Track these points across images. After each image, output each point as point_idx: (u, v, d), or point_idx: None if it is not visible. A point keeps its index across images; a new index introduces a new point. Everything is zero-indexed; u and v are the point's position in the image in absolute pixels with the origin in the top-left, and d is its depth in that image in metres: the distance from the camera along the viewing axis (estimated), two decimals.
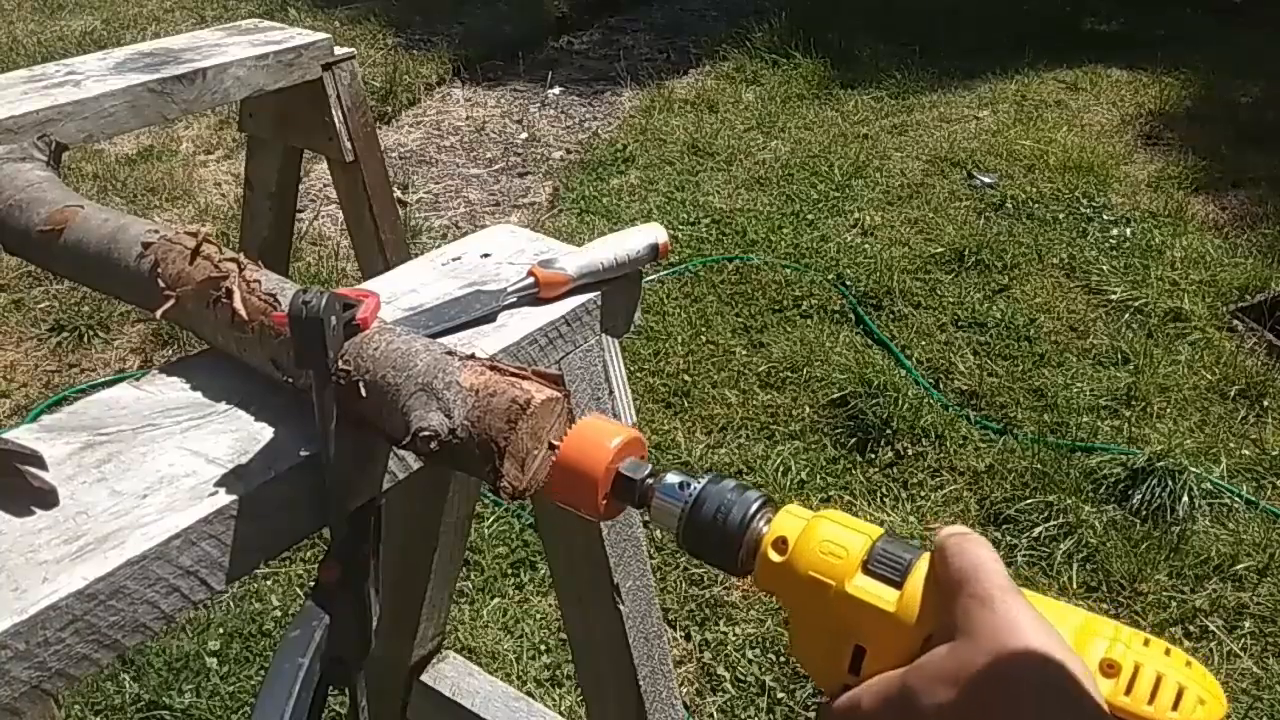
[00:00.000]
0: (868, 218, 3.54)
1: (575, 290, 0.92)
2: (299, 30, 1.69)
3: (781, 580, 0.59)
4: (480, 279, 0.94)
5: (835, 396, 2.65)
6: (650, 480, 0.65)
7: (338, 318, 0.66)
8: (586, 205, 3.74)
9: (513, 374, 0.66)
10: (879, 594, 0.56)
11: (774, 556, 0.60)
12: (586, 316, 0.92)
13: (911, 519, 2.30)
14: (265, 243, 1.95)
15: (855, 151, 4.04)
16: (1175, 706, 0.50)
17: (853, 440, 2.53)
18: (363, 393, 0.67)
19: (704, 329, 2.98)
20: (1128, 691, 0.50)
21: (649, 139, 4.28)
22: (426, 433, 0.63)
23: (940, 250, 3.31)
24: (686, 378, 2.78)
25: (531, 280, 0.90)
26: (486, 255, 0.98)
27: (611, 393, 0.97)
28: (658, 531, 2.29)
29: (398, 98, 4.69)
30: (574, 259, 0.91)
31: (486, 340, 0.85)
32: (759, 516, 0.61)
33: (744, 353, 2.88)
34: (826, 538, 0.58)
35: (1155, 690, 0.50)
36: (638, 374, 2.79)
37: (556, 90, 4.99)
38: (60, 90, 1.38)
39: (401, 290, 0.92)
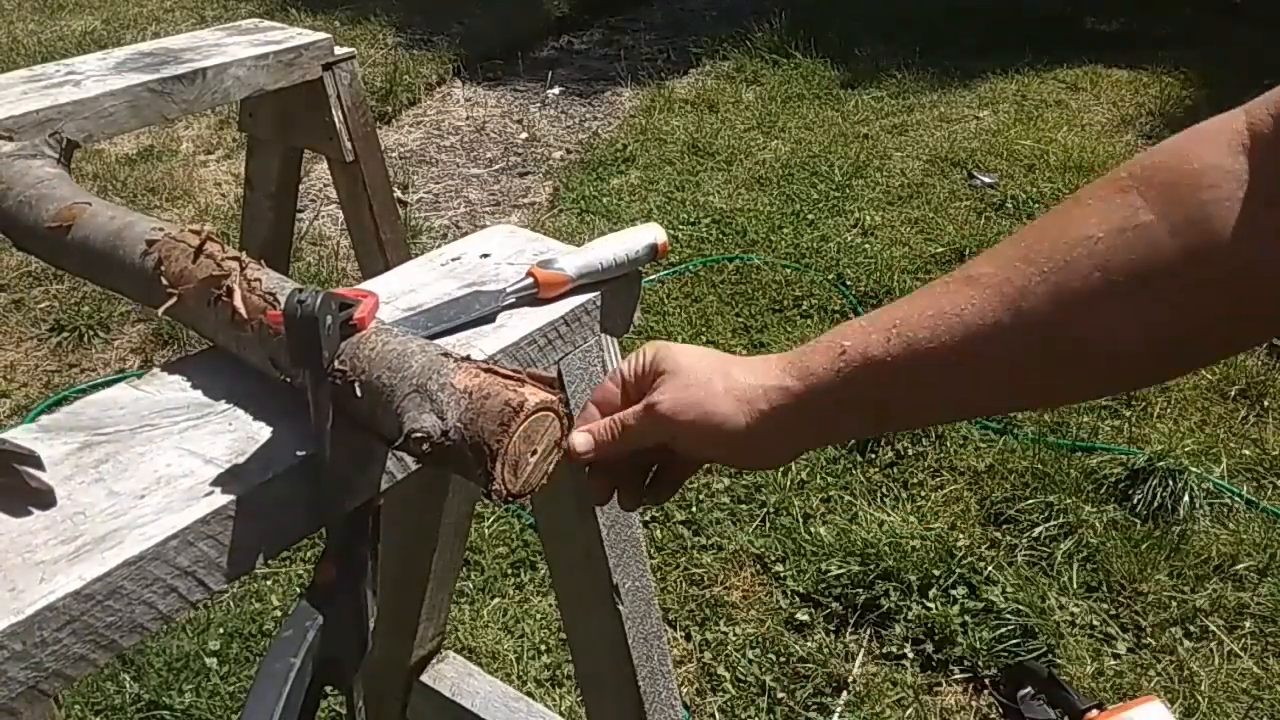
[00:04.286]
0: (868, 218, 3.54)
1: (574, 290, 0.92)
2: (299, 30, 1.69)
3: None
4: (479, 279, 0.94)
5: None
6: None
7: (334, 317, 0.66)
8: (587, 205, 3.74)
9: (508, 376, 0.66)
10: None
11: None
12: (586, 317, 0.92)
13: (912, 519, 2.30)
14: (265, 243, 1.95)
15: (855, 151, 4.04)
16: None
17: (852, 440, 2.53)
18: (357, 393, 0.67)
19: (704, 329, 2.98)
20: None
21: (649, 139, 4.28)
22: (419, 434, 0.62)
23: (940, 250, 3.30)
24: None
25: (530, 281, 0.90)
26: (486, 255, 0.98)
27: None
28: (657, 531, 2.29)
29: (398, 98, 4.69)
30: (573, 259, 0.91)
31: (485, 341, 0.85)
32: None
33: (744, 353, 2.87)
34: None
35: None
36: None
37: (556, 90, 4.99)
38: (60, 90, 1.38)
39: (400, 290, 0.92)
